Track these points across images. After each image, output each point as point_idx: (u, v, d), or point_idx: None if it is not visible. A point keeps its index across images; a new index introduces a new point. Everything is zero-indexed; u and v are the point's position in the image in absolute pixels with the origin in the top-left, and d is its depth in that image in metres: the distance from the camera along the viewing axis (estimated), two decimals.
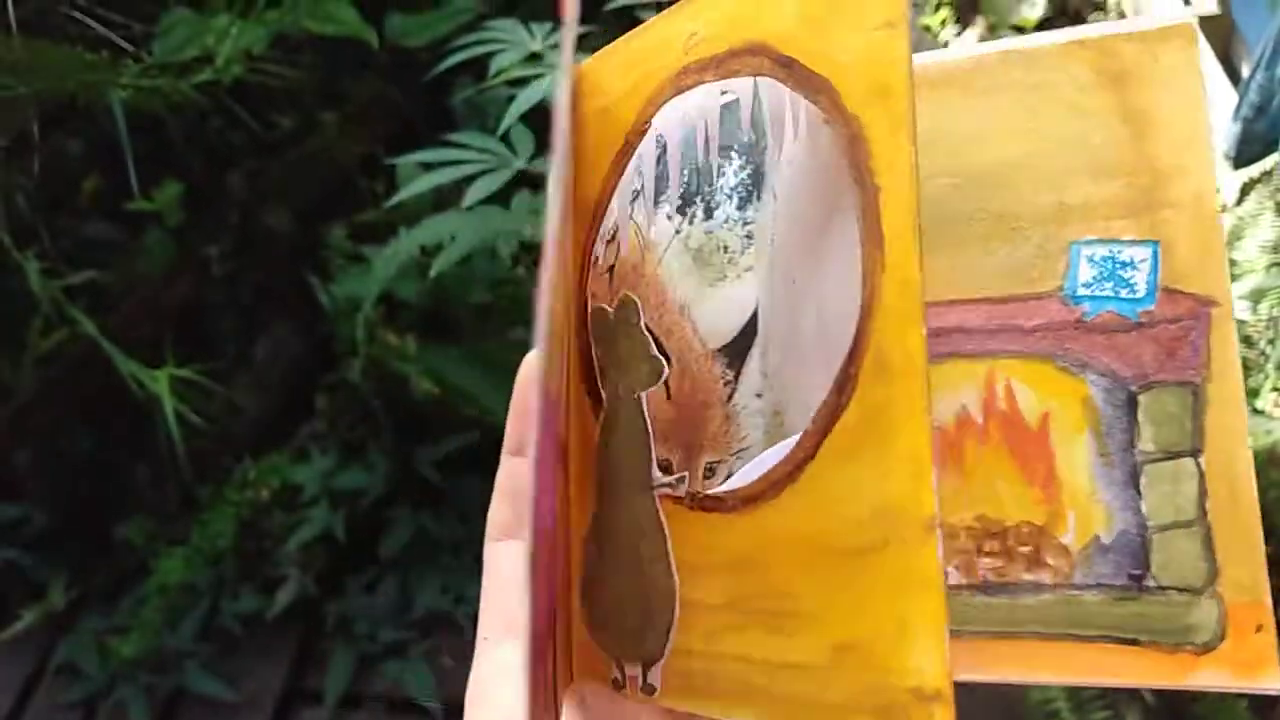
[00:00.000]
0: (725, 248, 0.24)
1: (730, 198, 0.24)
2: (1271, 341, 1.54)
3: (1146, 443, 0.22)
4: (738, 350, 0.24)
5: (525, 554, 0.23)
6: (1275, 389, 1.56)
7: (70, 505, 1.50)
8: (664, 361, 0.25)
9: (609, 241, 0.27)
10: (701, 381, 0.25)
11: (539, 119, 1.02)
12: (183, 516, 1.49)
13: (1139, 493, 0.22)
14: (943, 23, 2.52)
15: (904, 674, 0.18)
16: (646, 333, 0.26)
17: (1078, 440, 0.22)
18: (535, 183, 1.25)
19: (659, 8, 1.15)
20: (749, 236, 0.24)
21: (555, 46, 1.08)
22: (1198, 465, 0.21)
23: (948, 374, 0.24)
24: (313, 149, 1.70)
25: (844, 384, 0.19)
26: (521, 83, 1.02)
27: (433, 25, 1.66)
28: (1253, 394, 1.54)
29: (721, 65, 0.24)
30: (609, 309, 0.26)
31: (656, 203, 0.26)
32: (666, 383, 0.25)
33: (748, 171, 0.24)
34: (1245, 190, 1.84)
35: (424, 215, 1.17)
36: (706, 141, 0.25)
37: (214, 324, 1.64)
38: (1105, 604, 0.22)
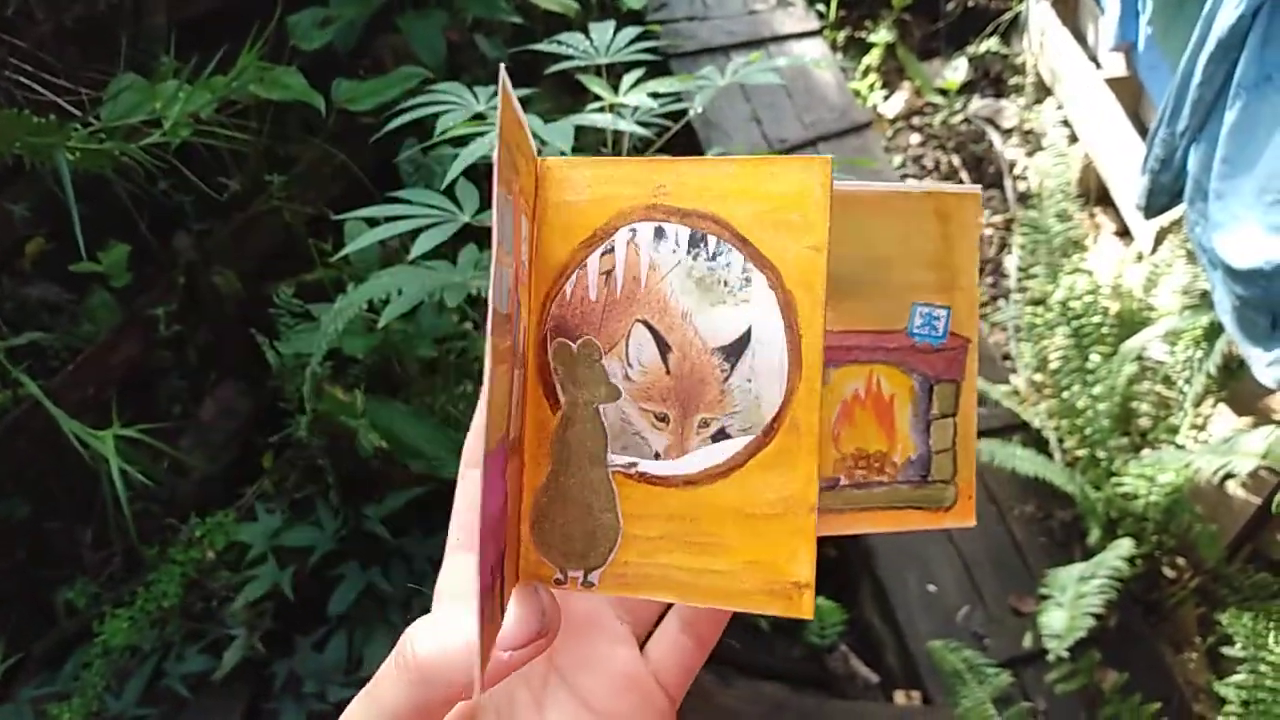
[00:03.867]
0: (725, 283, 0.36)
1: (727, 252, 0.36)
2: (1189, 381, 1.61)
3: (934, 411, 0.40)
4: (734, 351, 0.36)
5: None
6: (1193, 425, 1.63)
7: (9, 570, 1.48)
8: (619, 389, 0.36)
9: (606, 273, 0.37)
10: (701, 366, 0.36)
11: (482, 175, 1.06)
12: (127, 578, 1.48)
13: (929, 435, 0.40)
14: (871, 87, 2.62)
15: (790, 575, 0.34)
16: (603, 367, 0.36)
17: (905, 409, 0.40)
18: (481, 237, 1.29)
19: (597, 71, 1.20)
20: (747, 280, 0.35)
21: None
22: (954, 421, 0.41)
23: (849, 372, 0.40)
24: (260, 210, 1.72)
25: (769, 431, 0.35)
26: (465, 140, 1.05)
27: (379, 91, 1.70)
28: (1172, 431, 1.61)
29: (687, 218, 0.36)
30: (572, 345, 0.37)
31: (657, 240, 0.36)
32: (667, 362, 0.36)
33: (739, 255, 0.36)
34: (1159, 239, 1.94)
35: (371, 272, 1.19)
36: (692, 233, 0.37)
37: (160, 384, 1.64)
38: (910, 490, 0.40)
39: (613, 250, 0.37)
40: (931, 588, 1.70)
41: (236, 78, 1.48)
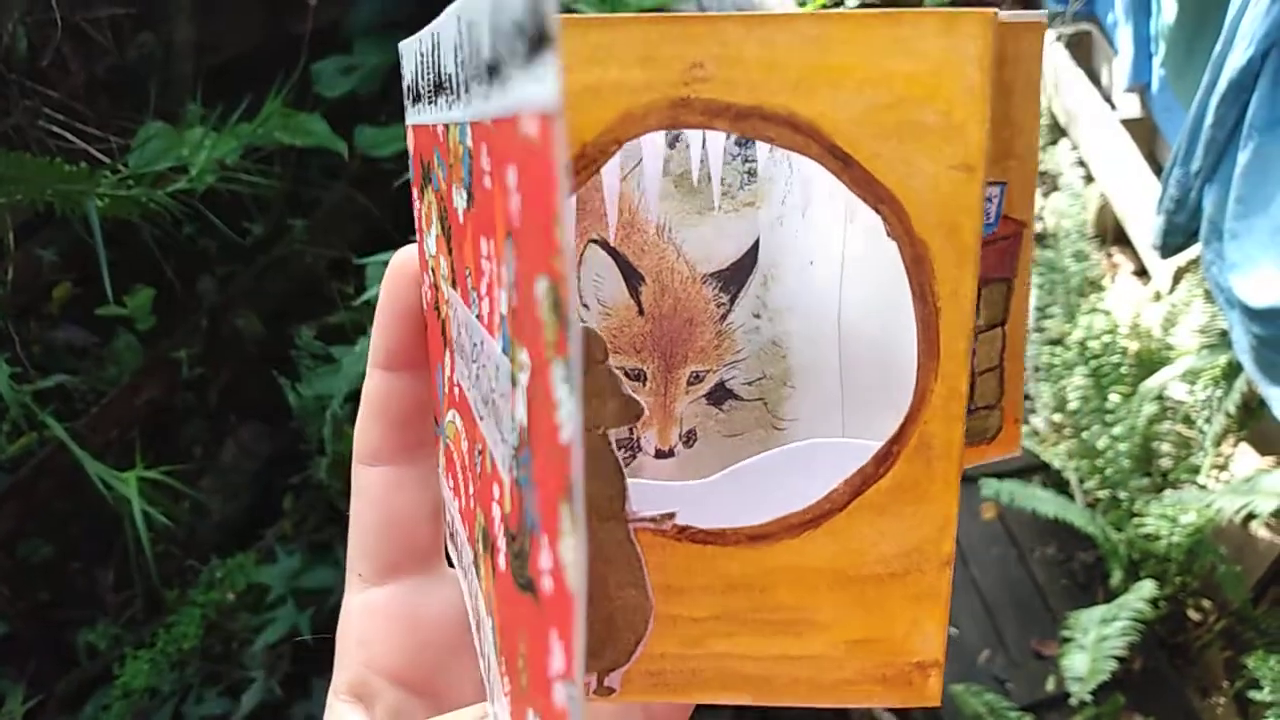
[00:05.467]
0: (722, 180, 0.25)
1: (729, 136, 0.24)
2: (1209, 420, 1.60)
3: (980, 319, 0.29)
4: (734, 278, 0.25)
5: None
6: (1215, 465, 1.61)
7: (32, 611, 1.49)
8: (641, 404, 0.24)
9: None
10: (687, 300, 0.26)
11: None
12: (148, 620, 1.48)
13: (971, 353, 0.28)
14: None
15: (910, 654, 0.23)
16: (617, 372, 0.24)
17: None
18: None
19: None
20: (750, 174, 0.25)
21: None
22: (1003, 331, 0.29)
23: None
24: (282, 254, 1.75)
25: (884, 459, 0.23)
26: None
27: (401, 136, 1.73)
28: (1193, 471, 1.60)
29: (741, 120, 0.21)
30: None
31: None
32: (638, 298, 0.25)
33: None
34: (1177, 278, 1.93)
35: None
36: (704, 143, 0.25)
37: (183, 427, 1.66)
38: None
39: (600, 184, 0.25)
40: (953, 631, 1.69)
41: (261, 124, 1.51)
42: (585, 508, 0.17)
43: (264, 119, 1.51)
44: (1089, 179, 2.23)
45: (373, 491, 0.28)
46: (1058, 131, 2.53)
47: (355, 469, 0.28)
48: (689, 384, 0.26)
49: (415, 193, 0.27)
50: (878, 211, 0.21)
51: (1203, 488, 1.57)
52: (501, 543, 0.17)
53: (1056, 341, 1.76)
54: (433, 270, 0.25)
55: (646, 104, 0.21)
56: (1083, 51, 2.34)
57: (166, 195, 1.39)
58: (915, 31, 0.20)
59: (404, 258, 0.27)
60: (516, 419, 0.15)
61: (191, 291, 1.70)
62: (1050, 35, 2.30)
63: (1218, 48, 1.17)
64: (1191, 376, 1.63)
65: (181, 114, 1.57)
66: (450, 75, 0.19)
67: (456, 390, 0.22)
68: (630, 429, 0.26)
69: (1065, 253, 1.79)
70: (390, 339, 0.27)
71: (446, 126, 0.20)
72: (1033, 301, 1.94)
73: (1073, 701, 1.35)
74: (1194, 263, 1.82)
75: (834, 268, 0.24)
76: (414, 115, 0.25)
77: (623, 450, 0.26)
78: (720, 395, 0.26)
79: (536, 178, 0.12)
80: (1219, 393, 1.60)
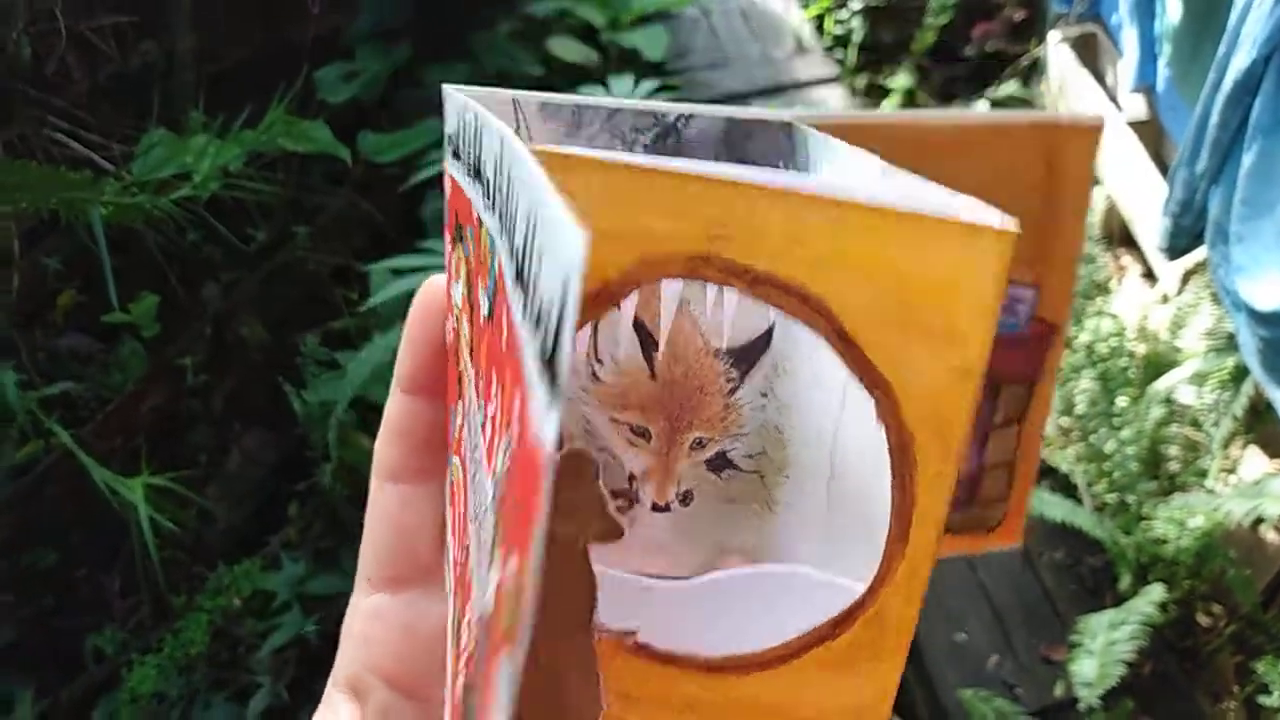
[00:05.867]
0: None
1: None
2: (1216, 423, 1.59)
3: (997, 418, 0.30)
4: (746, 357, 0.25)
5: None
6: (1223, 469, 1.60)
7: (38, 617, 1.49)
8: (622, 526, 0.25)
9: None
10: (699, 369, 0.26)
11: None
12: (155, 625, 1.49)
13: (985, 447, 0.30)
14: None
15: None
16: (599, 490, 0.25)
17: None
18: None
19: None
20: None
21: None
22: (1019, 429, 0.30)
23: None
24: (286, 260, 1.75)
25: (842, 621, 0.23)
26: None
27: (404, 143, 1.74)
28: (1201, 474, 1.59)
29: (757, 284, 0.22)
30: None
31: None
32: (651, 362, 0.26)
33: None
34: (1185, 280, 1.92)
35: (396, 320, 1.20)
36: (728, 144, 0.25)
37: (188, 433, 1.66)
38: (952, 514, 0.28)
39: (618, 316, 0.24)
40: (961, 636, 1.68)
41: (265, 131, 1.52)
42: (556, 615, 0.19)
43: (267, 126, 1.51)
44: (1095, 181, 2.22)
45: (386, 506, 0.30)
46: None
47: (373, 481, 0.30)
48: (691, 448, 0.26)
49: (448, 237, 0.27)
50: (872, 395, 0.22)
51: (1211, 491, 1.56)
52: (461, 664, 0.18)
53: (1064, 345, 1.75)
54: (456, 318, 0.26)
55: (667, 253, 0.22)
56: (1088, 53, 2.33)
57: (170, 202, 1.39)
58: (935, 235, 0.20)
59: (433, 289, 0.28)
60: (485, 602, 0.15)
61: (196, 298, 1.70)
62: (1055, 37, 2.30)
63: (1222, 49, 1.16)
64: (1199, 379, 1.62)
65: (185, 121, 1.57)
66: (488, 181, 0.19)
67: (463, 439, 0.23)
68: (630, 479, 0.27)
69: None
70: (414, 364, 0.29)
71: (481, 220, 0.21)
72: None
73: (1082, 706, 1.34)
74: (1201, 265, 1.81)
75: (835, 400, 0.24)
76: (453, 167, 0.26)
77: (620, 499, 0.27)
78: (720, 463, 0.27)
79: (526, 486, 0.13)
80: (1227, 396, 1.59)
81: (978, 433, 0.30)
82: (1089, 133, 0.26)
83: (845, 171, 0.24)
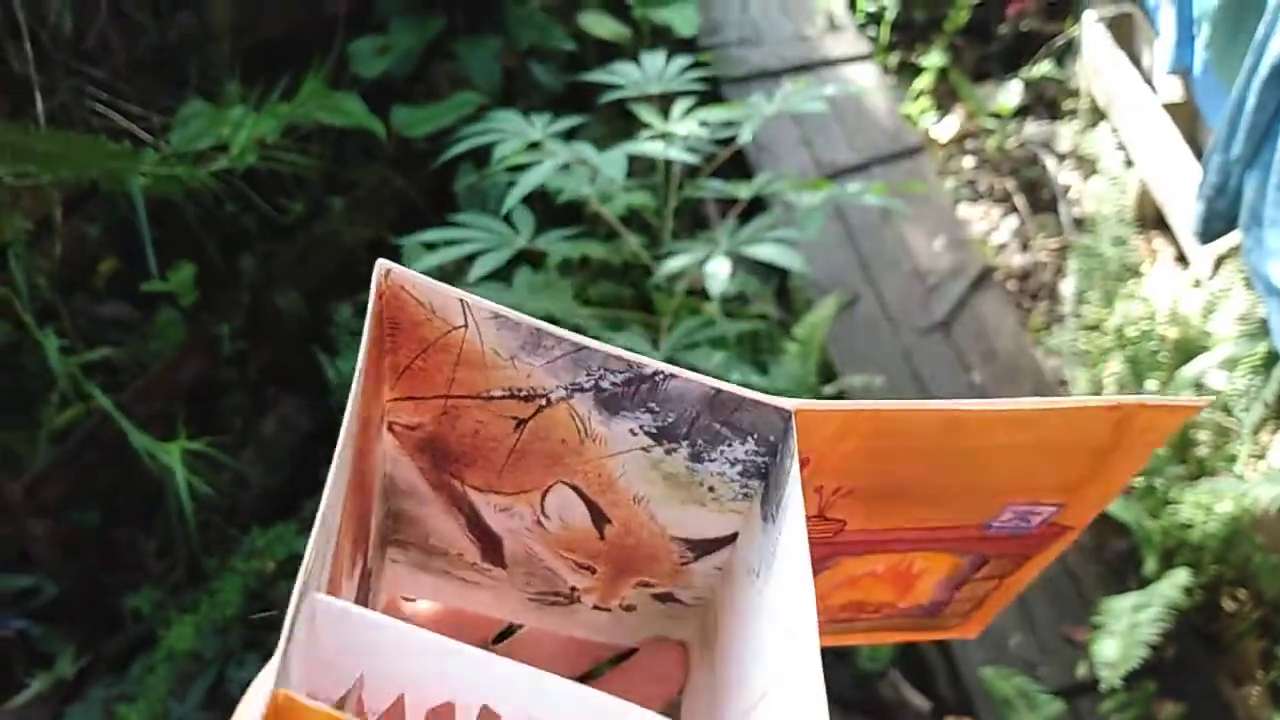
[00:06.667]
0: (711, 489, 0.24)
1: (732, 465, 0.24)
2: (1246, 409, 1.58)
3: (978, 575, 0.31)
4: (704, 548, 0.26)
5: None
6: (1252, 454, 1.60)
7: (80, 575, 1.53)
8: None
9: (518, 419, 0.24)
10: (651, 547, 0.26)
11: (536, 199, 1.09)
12: (191, 586, 1.52)
13: (957, 590, 0.31)
14: (923, 111, 2.62)
15: None
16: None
17: (933, 579, 0.31)
18: (535, 260, 1.32)
19: (649, 99, 1.22)
20: (746, 496, 0.24)
21: (555, 135, 1.15)
22: (1000, 582, 0.31)
23: (873, 559, 0.30)
24: (321, 232, 1.77)
25: None
26: (521, 168, 1.08)
27: (436, 117, 1.75)
28: (1230, 460, 1.58)
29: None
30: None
31: (615, 412, 0.23)
32: (601, 530, 0.25)
33: (761, 460, 0.24)
34: (1217, 265, 1.91)
35: None
36: (713, 408, 0.23)
37: (224, 400, 1.69)
38: (908, 620, 0.33)
39: (539, 404, 0.24)
40: None
41: (300, 104, 1.53)
42: None
43: (303, 99, 1.53)
44: (1129, 163, 2.20)
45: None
46: (1098, 115, 2.49)
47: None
48: (636, 586, 0.27)
49: None
50: None
51: (1240, 477, 1.55)
52: None
53: (1093, 327, 1.74)
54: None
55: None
56: (1124, 34, 2.30)
57: (208, 174, 1.42)
58: None
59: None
60: None
61: (233, 268, 1.73)
62: (1091, 16, 2.27)
63: (1260, 32, 1.15)
64: (1230, 365, 1.62)
65: (221, 93, 1.59)
66: None
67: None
68: (572, 588, 0.27)
69: (1104, 238, 1.77)
70: None
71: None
72: (1070, 287, 1.93)
73: (1103, 688, 1.35)
74: (1235, 249, 1.80)
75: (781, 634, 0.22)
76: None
77: (561, 598, 0.27)
78: (665, 597, 0.27)
79: None
80: (1258, 382, 1.58)
81: (951, 585, 0.30)
82: (1177, 414, 0.25)
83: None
